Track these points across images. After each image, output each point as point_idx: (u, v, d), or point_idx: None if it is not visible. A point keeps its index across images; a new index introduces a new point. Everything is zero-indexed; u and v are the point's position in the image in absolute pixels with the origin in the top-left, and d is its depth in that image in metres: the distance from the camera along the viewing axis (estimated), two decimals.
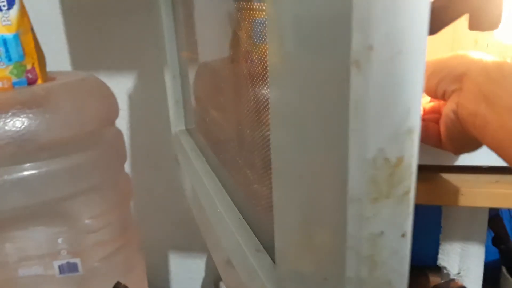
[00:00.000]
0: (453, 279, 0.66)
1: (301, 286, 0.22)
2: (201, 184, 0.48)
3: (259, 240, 0.34)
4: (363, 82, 0.15)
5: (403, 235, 0.18)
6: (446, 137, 0.39)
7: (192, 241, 1.02)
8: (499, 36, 0.51)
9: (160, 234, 0.99)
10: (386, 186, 0.17)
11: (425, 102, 0.45)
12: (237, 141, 0.41)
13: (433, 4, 0.33)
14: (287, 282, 0.24)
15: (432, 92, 0.39)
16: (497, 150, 0.33)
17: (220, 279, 0.90)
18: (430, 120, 0.43)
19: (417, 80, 0.16)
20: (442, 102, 0.40)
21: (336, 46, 0.16)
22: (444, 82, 0.37)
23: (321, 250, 0.19)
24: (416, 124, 0.17)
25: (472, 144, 0.38)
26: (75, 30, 0.88)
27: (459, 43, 0.57)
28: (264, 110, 0.32)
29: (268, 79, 0.23)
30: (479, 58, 0.36)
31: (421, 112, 0.45)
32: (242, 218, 0.39)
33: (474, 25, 0.35)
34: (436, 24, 0.32)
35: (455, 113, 0.36)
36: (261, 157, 0.32)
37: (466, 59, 0.36)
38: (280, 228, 0.26)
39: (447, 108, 0.37)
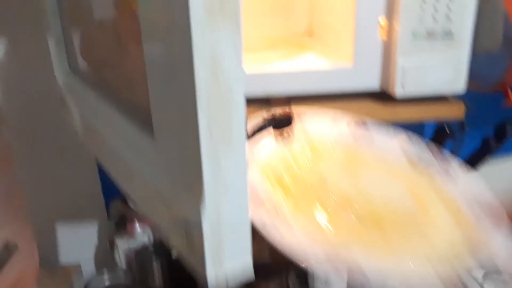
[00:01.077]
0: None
1: (171, 136, 0.28)
2: (93, 109, 0.51)
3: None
4: None
5: (235, 53, 0.25)
6: None
7: (80, 209, 1.02)
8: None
9: (46, 202, 0.98)
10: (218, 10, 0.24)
11: None
12: (118, 56, 0.45)
13: None
14: (162, 145, 0.31)
15: None
16: None
17: (114, 237, 0.92)
18: None
19: None
20: None
21: None
22: None
23: (182, 85, 0.26)
24: None
25: None
26: None
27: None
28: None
29: None
30: None
31: None
32: (130, 120, 0.43)
33: None
34: None
35: None
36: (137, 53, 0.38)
37: None
38: (154, 101, 0.32)
39: None
